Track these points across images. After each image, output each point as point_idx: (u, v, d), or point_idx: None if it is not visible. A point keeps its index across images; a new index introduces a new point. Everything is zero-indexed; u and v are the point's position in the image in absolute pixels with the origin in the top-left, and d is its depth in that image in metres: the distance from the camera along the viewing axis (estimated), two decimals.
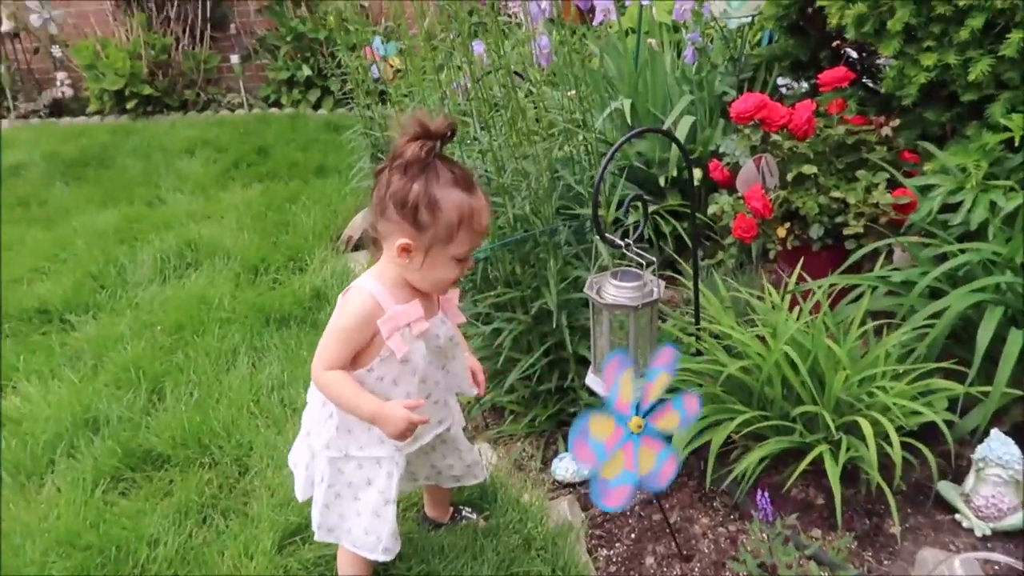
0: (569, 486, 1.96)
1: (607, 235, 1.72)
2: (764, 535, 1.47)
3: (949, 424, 1.78)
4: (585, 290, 1.67)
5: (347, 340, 1.40)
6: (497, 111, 2.17)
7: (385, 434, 1.40)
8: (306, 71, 5.63)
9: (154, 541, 1.81)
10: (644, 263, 1.64)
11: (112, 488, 2.01)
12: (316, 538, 1.54)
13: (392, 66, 3.73)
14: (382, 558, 1.50)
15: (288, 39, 5.66)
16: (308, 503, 1.61)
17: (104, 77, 5.63)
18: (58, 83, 5.98)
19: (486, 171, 2.10)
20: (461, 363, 1.56)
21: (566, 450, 2.02)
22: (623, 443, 1.39)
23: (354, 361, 1.42)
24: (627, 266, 1.68)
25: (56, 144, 5.02)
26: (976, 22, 1.99)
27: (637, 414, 1.41)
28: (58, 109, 5.97)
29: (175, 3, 5.80)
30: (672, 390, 1.47)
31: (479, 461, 1.71)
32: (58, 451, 2.14)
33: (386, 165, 1.35)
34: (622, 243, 1.67)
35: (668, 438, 1.46)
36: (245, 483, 2.00)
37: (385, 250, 1.41)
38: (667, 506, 1.85)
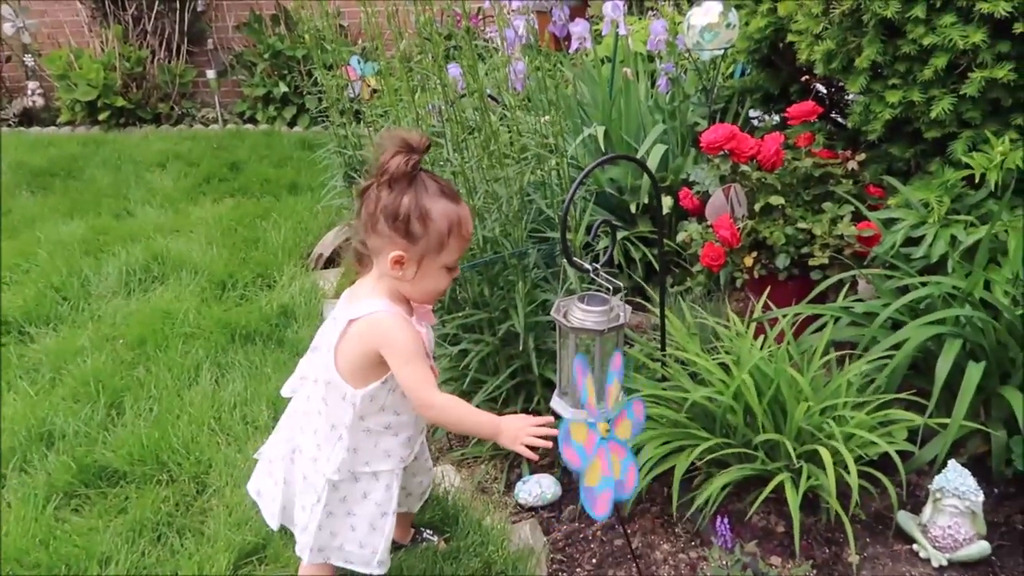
0: (531, 510, 1.95)
1: (575, 259, 1.73)
2: (724, 562, 1.47)
3: (908, 455, 1.80)
4: (552, 313, 1.67)
5: (422, 358, 1.41)
6: (471, 134, 2.18)
7: (504, 444, 1.39)
8: (282, 88, 5.61)
9: (106, 560, 1.77)
10: (611, 288, 1.65)
11: (65, 504, 1.96)
12: (306, 561, 1.51)
13: (369, 85, 3.74)
14: (377, 571, 1.50)
15: (265, 56, 5.65)
16: (264, 523, 1.59)
17: (76, 88, 5.56)
18: (29, 92, 5.91)
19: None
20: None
21: (530, 473, 2.01)
22: (597, 449, 1.40)
23: (367, 377, 1.41)
24: (595, 290, 1.69)
25: (24, 153, 4.94)
26: (939, 62, 2.04)
27: (603, 419, 1.42)
28: (28, 118, 5.89)
29: (152, 16, 5.77)
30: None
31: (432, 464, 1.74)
32: (10, 466, 2.09)
33: (372, 182, 1.38)
34: (590, 267, 1.68)
35: (632, 449, 1.48)
36: (202, 501, 1.96)
37: (377, 266, 1.43)
38: (629, 531, 1.84)
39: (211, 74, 5.73)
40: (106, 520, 1.89)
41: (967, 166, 2.06)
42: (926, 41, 2.04)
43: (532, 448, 1.36)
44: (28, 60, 5.89)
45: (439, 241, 1.37)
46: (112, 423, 2.26)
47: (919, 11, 2.02)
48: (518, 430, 1.38)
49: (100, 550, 1.78)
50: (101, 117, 5.62)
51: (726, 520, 1.55)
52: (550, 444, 1.36)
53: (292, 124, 5.70)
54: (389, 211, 1.35)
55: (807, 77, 2.88)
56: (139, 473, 2.04)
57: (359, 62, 3.71)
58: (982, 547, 1.70)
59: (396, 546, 1.79)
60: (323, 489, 1.46)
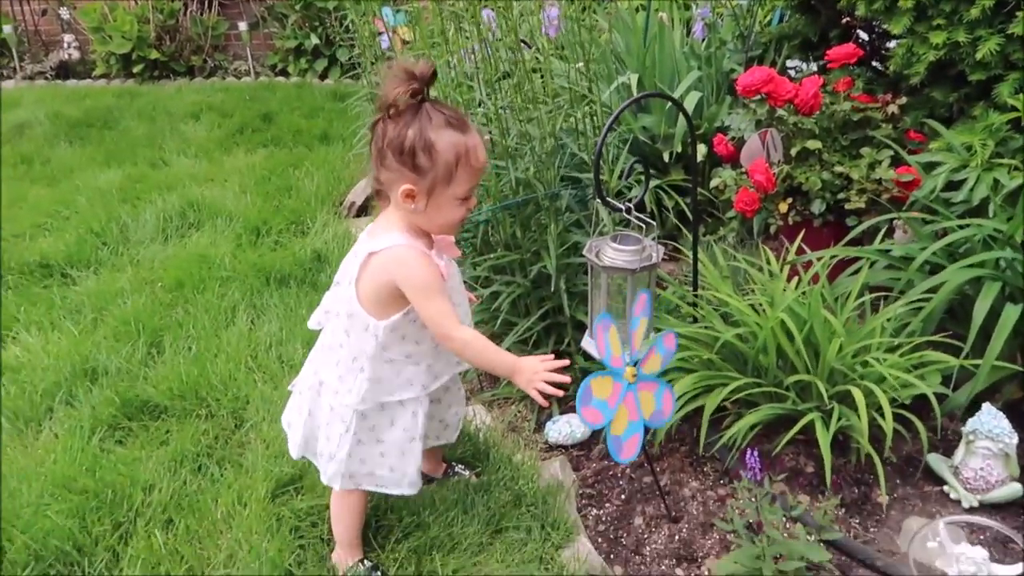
0: (561, 448, 1.98)
1: (608, 199, 1.72)
2: (752, 495, 1.48)
3: (942, 398, 1.79)
4: (584, 252, 1.67)
5: (442, 292, 1.41)
6: (504, 77, 2.16)
7: (519, 385, 1.40)
8: (314, 40, 5.60)
9: (149, 487, 1.83)
10: (645, 226, 1.64)
11: (109, 436, 2.02)
12: (338, 487, 1.55)
13: (401, 37, 3.71)
14: (408, 492, 1.55)
15: (297, 7, 5.63)
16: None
17: (111, 40, 5.60)
18: (65, 45, 5.95)
19: (491, 134, 2.10)
20: (463, 297, 1.59)
21: (560, 413, 2.04)
22: (623, 396, 1.42)
23: (388, 309, 1.43)
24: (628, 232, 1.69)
25: (61, 104, 5.01)
26: (987, 0, 1.98)
27: (630, 364, 1.44)
28: (64, 71, 5.94)
29: None
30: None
31: None
32: (56, 399, 2.15)
33: (379, 116, 1.38)
34: (622, 206, 1.67)
35: (663, 379, 1.52)
36: (240, 435, 2.01)
37: (392, 200, 1.43)
38: (658, 469, 1.86)
39: (243, 26, 5.73)
40: (149, 451, 1.95)
41: (1013, 108, 2.00)
42: None
43: (545, 395, 1.36)
44: (64, 13, 5.93)
45: (447, 172, 1.36)
46: (152, 361, 2.32)
47: None
48: (533, 373, 1.38)
49: (144, 478, 1.84)
50: (135, 70, 5.66)
51: (755, 452, 1.55)
52: (561, 393, 1.37)
53: (323, 76, 5.69)
54: (395, 145, 1.35)
55: (848, 19, 2.81)
56: (179, 408, 2.09)
57: (392, 12, 3.68)
58: (1014, 489, 1.69)
59: (428, 479, 1.83)
60: (351, 419, 1.49)
